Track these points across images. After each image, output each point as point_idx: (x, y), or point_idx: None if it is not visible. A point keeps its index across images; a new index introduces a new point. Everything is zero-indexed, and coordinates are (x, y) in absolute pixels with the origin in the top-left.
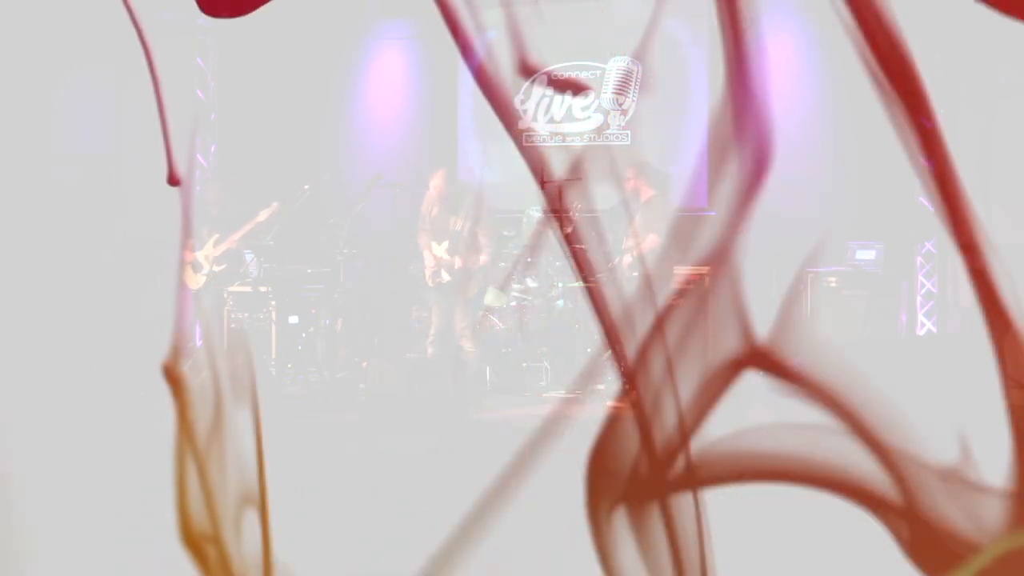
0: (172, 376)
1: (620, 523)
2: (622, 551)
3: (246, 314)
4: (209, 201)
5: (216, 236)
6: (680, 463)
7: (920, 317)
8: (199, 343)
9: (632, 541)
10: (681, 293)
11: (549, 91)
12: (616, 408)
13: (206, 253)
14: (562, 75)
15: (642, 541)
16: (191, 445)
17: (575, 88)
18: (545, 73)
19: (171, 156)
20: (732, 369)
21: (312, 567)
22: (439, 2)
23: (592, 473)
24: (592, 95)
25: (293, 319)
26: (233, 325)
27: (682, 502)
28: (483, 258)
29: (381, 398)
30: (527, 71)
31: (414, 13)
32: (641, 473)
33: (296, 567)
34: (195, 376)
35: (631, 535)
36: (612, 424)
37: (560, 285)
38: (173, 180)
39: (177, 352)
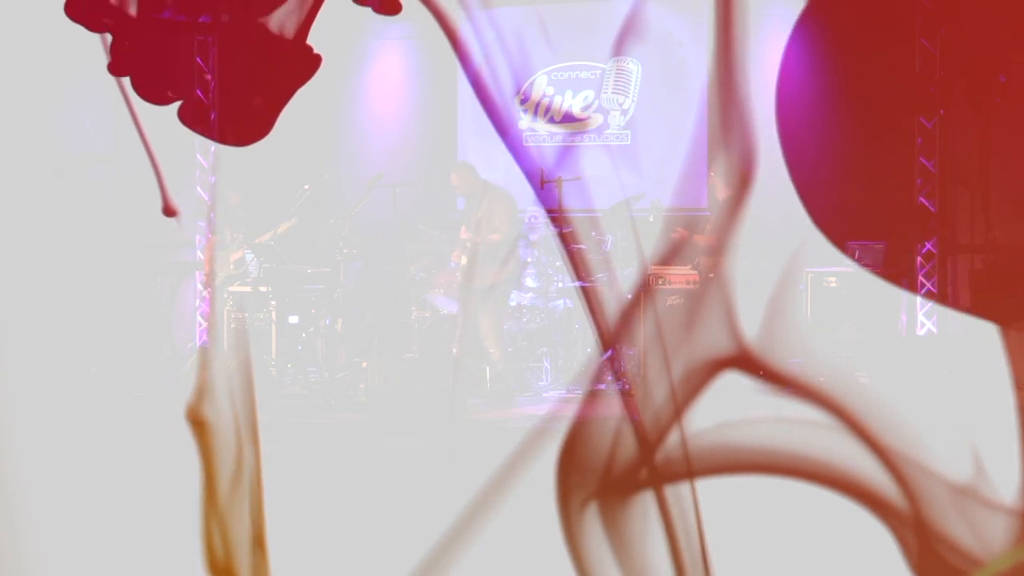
0: (196, 420)
1: (592, 518)
2: (593, 546)
3: (246, 314)
4: (233, 205)
5: (239, 238)
6: (660, 455)
7: (920, 317)
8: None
9: (604, 536)
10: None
11: (549, 91)
12: (587, 405)
13: (229, 254)
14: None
15: (613, 535)
16: (213, 495)
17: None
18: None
19: (164, 191)
20: (713, 368)
21: (311, 567)
22: (436, 15)
23: (563, 469)
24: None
25: (293, 319)
26: (233, 325)
27: (679, 493)
28: (495, 236)
29: (381, 398)
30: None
31: (414, 13)
32: (614, 469)
33: (295, 567)
34: (198, 374)
35: (603, 530)
36: (583, 420)
37: (560, 285)
38: (168, 211)
39: (201, 394)
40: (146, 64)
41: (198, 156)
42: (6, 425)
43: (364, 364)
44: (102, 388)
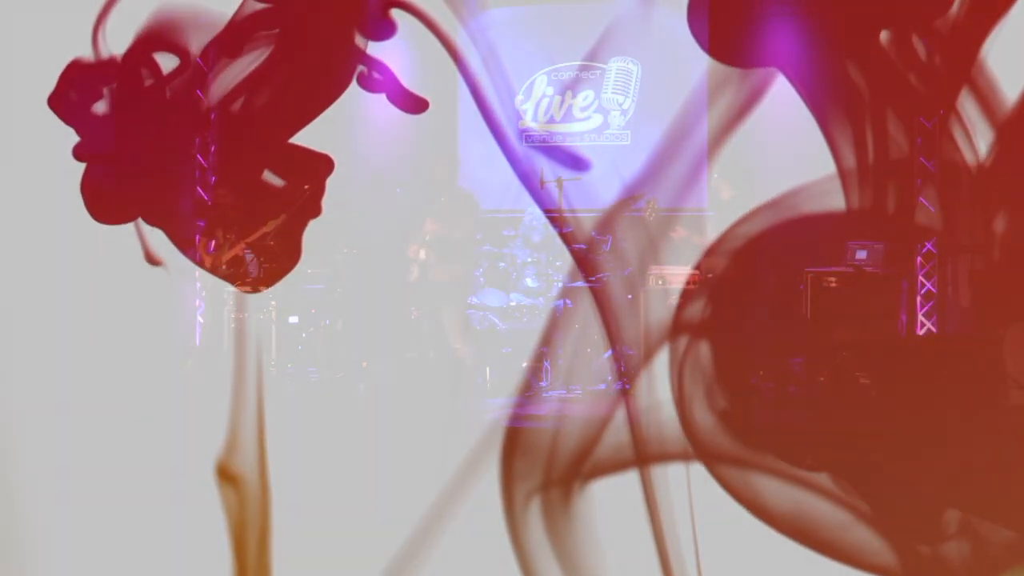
0: (226, 475)
1: (535, 515)
2: (538, 542)
3: (246, 314)
4: (227, 206)
5: (231, 238)
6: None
7: (920, 317)
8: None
9: (548, 532)
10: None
11: (549, 91)
12: (530, 401)
13: (223, 255)
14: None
15: (554, 531)
16: (241, 546)
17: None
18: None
19: (145, 244)
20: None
21: (312, 566)
22: (432, 27)
23: (507, 464)
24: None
25: (293, 319)
26: (233, 325)
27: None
28: (458, 232)
29: (381, 398)
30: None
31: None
32: (558, 463)
33: (297, 566)
34: (196, 374)
35: (547, 526)
36: (526, 416)
37: (560, 285)
38: (152, 261)
39: (232, 448)
40: (117, 181)
41: (198, 156)
42: (7, 425)
43: (364, 364)
44: (102, 388)
